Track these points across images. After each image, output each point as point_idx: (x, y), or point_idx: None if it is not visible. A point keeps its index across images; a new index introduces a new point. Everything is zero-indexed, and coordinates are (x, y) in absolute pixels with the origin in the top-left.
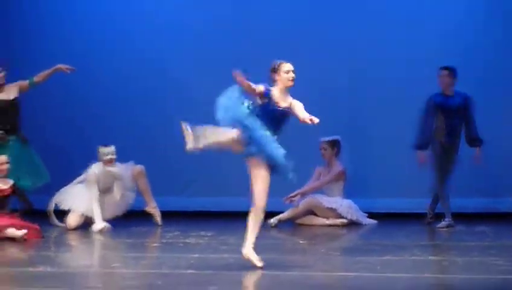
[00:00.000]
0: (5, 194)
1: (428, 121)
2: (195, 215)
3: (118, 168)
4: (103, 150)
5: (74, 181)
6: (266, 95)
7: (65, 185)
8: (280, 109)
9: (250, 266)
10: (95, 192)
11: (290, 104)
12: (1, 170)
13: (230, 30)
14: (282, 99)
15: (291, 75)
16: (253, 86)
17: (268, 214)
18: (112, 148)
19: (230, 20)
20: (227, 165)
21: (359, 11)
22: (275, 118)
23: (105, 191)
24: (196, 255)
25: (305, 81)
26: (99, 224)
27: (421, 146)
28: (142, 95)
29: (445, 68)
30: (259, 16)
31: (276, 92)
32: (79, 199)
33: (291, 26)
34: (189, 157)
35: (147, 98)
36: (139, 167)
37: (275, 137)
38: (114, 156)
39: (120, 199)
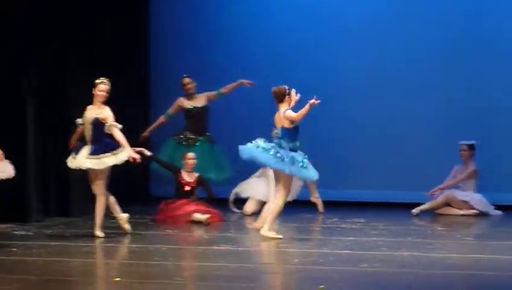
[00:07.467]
0: (192, 186)
1: None
2: (350, 204)
3: None
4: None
5: (252, 176)
6: None
7: (243, 179)
8: None
9: (398, 248)
10: (272, 178)
11: None
12: (189, 164)
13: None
14: None
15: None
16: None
17: (412, 205)
18: None
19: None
20: (376, 163)
21: None
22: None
23: None
24: (351, 238)
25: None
26: None
27: None
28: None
29: None
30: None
31: None
32: (257, 187)
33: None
34: (349, 158)
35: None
36: None
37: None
38: None
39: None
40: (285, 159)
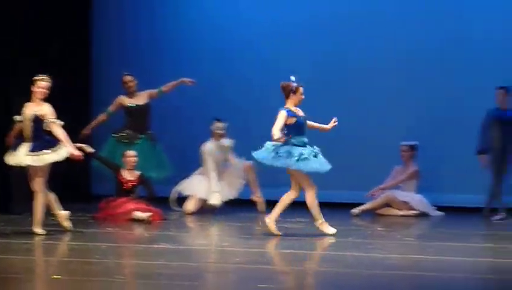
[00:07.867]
0: (132, 184)
1: (487, 131)
2: (292, 204)
3: (226, 141)
4: (217, 124)
5: (193, 173)
6: (292, 115)
7: (184, 177)
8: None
9: (340, 248)
10: (211, 164)
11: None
12: (129, 162)
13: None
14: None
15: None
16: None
17: (352, 205)
18: (223, 125)
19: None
20: None
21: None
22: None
23: (219, 175)
24: (294, 238)
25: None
26: (216, 198)
27: (482, 151)
28: (253, 98)
29: (501, 88)
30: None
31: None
32: (198, 185)
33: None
34: None
35: (259, 101)
36: (249, 163)
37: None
38: (223, 132)
39: (232, 183)
40: (281, 155)
